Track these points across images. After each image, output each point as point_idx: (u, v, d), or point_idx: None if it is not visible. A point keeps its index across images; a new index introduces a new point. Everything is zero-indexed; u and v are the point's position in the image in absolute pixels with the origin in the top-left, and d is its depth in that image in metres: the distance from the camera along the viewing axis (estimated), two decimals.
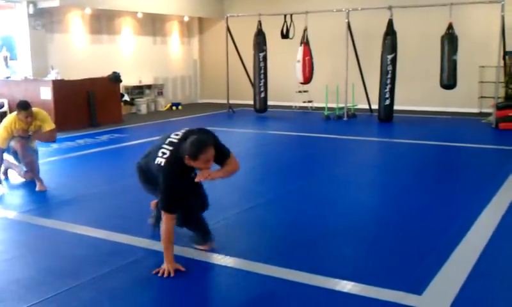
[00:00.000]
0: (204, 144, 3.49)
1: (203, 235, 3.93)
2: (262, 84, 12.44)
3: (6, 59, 11.43)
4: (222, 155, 3.72)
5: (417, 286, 3.22)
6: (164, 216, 3.54)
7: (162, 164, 3.54)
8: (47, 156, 7.41)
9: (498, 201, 5.05)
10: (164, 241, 3.54)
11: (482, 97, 11.91)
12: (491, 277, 3.42)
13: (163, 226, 3.55)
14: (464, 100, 12.07)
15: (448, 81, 10.30)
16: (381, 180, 6.34)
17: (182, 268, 3.52)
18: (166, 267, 3.48)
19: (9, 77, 11.17)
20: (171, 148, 3.60)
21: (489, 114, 10.54)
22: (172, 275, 3.44)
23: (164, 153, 3.59)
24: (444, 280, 3.33)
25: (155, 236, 4.12)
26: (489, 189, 5.43)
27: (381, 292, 3.16)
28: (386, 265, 3.64)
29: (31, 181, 5.92)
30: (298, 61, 11.64)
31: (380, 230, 4.44)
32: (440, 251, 3.80)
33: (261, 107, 12.38)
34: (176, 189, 3.55)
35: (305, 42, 11.63)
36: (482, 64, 11.72)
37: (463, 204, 5.07)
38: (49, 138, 6.20)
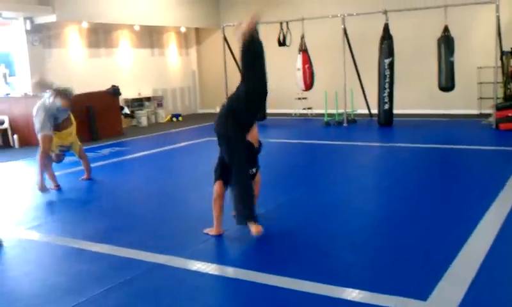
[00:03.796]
0: None
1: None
2: None
3: (4, 75, 11.48)
4: None
5: (422, 292, 3.20)
6: None
7: None
8: None
9: (501, 203, 5.03)
10: None
11: (481, 98, 11.93)
12: (496, 281, 3.41)
13: None
14: (464, 101, 12.09)
15: (447, 83, 10.31)
16: (382, 185, 6.33)
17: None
18: None
19: (9, 94, 11.20)
20: None
21: (489, 115, 10.55)
22: None
23: None
24: (449, 285, 3.32)
25: (158, 249, 4.14)
26: (491, 191, 5.41)
27: (386, 299, 3.14)
28: (391, 271, 3.63)
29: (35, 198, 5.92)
30: (298, 69, 11.68)
31: (383, 235, 4.43)
32: (444, 255, 3.79)
33: (260, 115, 12.38)
34: None
35: (304, 50, 11.67)
36: (480, 65, 11.75)
37: (466, 207, 5.06)
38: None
